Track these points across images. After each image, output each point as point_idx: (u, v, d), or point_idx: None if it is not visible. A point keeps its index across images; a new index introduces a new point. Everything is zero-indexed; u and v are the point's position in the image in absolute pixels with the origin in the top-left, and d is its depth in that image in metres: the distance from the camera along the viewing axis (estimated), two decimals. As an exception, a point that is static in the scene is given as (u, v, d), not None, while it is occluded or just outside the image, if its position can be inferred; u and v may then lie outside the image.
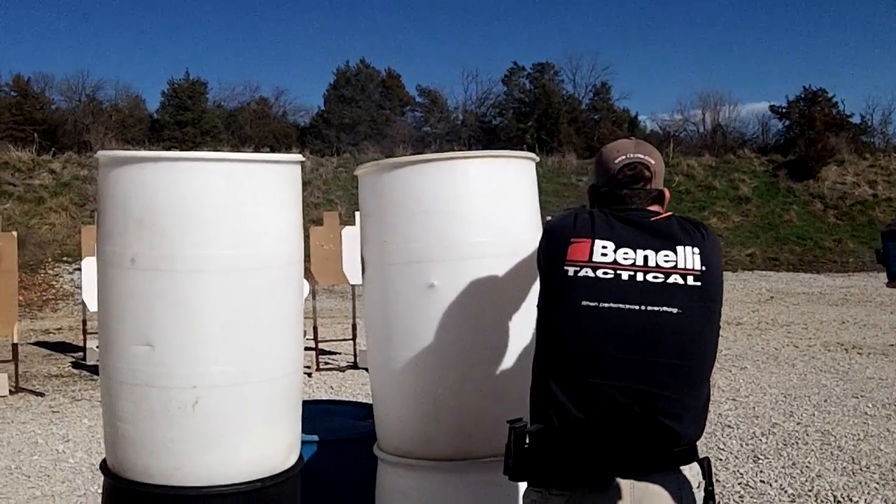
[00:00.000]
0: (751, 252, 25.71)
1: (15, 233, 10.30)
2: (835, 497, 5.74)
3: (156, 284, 2.87)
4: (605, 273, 2.43)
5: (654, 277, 2.43)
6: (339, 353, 11.70)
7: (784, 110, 39.71)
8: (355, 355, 10.96)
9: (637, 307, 2.40)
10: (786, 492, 5.88)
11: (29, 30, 63.70)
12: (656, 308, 2.40)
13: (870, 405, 8.38)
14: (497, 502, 3.12)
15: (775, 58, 69.43)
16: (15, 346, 9.66)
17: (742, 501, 5.72)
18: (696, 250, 2.48)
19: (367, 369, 3.82)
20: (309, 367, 10.13)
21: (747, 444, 7.05)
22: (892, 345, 11.99)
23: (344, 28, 70.75)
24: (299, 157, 3.20)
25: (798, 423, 7.72)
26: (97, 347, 3.17)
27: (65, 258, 21.01)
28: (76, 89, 39.59)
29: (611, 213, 2.54)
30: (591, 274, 2.44)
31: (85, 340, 11.64)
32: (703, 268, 2.46)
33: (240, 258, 2.91)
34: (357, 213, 3.80)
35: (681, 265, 2.45)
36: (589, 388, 2.39)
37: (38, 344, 13.18)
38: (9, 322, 9.55)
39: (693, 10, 68.28)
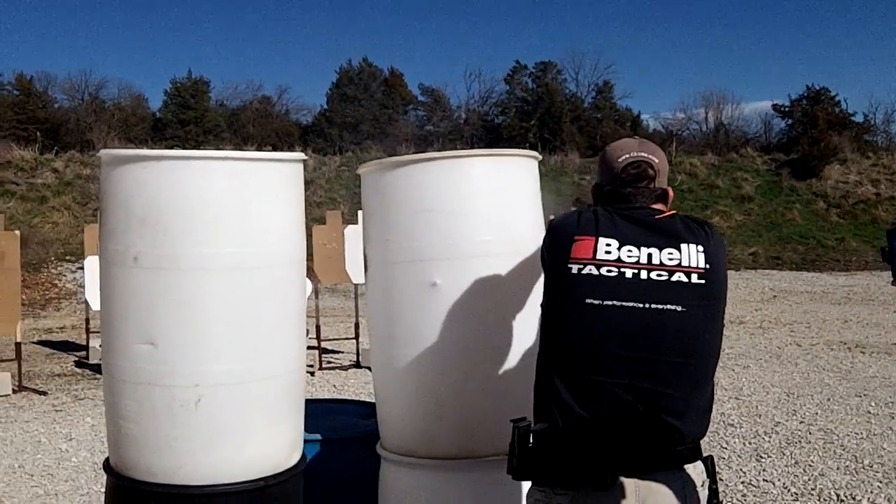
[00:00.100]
0: (753, 251, 25.70)
1: (18, 232, 10.30)
2: (838, 495, 5.74)
3: (158, 283, 2.87)
4: (608, 271, 2.43)
5: (658, 275, 2.43)
6: (342, 352, 11.69)
7: (787, 109, 39.70)
8: (358, 354, 10.95)
9: (641, 305, 2.40)
10: (789, 490, 5.88)
11: (32, 28, 63.79)
12: (660, 306, 2.40)
13: (873, 404, 8.37)
14: (500, 501, 3.12)
15: (778, 56, 69.45)
16: (18, 345, 9.67)
17: (745, 500, 5.71)
18: (701, 248, 2.48)
19: (369, 368, 3.83)
20: (312, 366, 10.13)
21: (750, 443, 7.04)
22: (895, 343, 11.98)
23: (346, 27, 70.81)
24: (302, 155, 3.21)
25: (801, 422, 7.71)
26: (100, 346, 3.17)
27: (67, 257, 21.02)
28: (79, 88, 39.70)
29: (615, 212, 2.54)
30: (594, 271, 2.44)
31: (88, 339, 11.64)
32: (707, 266, 2.46)
33: (242, 257, 2.91)
34: (360, 212, 3.80)
35: (685, 263, 2.45)
36: (593, 385, 2.39)
37: (41, 343, 13.19)
38: (12, 321, 9.55)
39: (696, 8, 68.30)
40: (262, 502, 2.98)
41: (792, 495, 5.78)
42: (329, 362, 11.07)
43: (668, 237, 2.49)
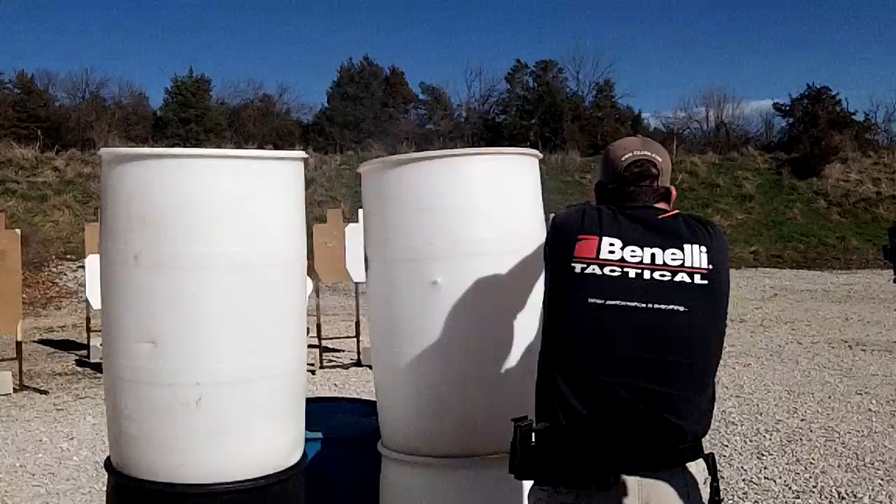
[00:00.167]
0: (754, 249, 25.71)
1: (18, 230, 10.28)
2: (839, 493, 5.74)
3: (159, 282, 2.87)
4: (612, 270, 2.43)
5: (662, 275, 2.43)
6: (343, 351, 11.69)
7: (788, 108, 39.62)
8: (359, 353, 10.95)
9: (644, 305, 2.40)
10: (790, 488, 5.88)
11: (33, 27, 63.75)
12: (663, 306, 2.40)
13: (874, 402, 8.37)
14: (501, 500, 3.12)
15: (779, 55, 69.36)
16: (19, 343, 9.67)
17: (746, 498, 5.71)
18: (704, 249, 2.48)
19: (370, 367, 3.83)
20: (312, 365, 10.12)
21: (751, 441, 7.04)
22: (895, 341, 11.97)
23: (347, 25, 70.77)
24: (302, 154, 3.21)
25: (802, 420, 7.71)
26: (101, 345, 3.18)
27: (68, 256, 21.01)
28: (80, 86, 39.66)
29: (618, 211, 2.54)
30: (598, 271, 2.43)
31: (89, 338, 11.63)
32: (710, 266, 2.46)
33: (243, 255, 2.91)
34: (360, 211, 3.79)
35: (688, 263, 2.44)
36: (595, 385, 2.39)
37: (42, 342, 13.19)
38: (13, 320, 9.55)
39: (697, 7, 68.24)
40: (264, 501, 2.98)
41: (793, 493, 5.79)
42: (330, 361, 11.07)
43: (672, 237, 2.48)
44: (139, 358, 2.89)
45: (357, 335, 11.07)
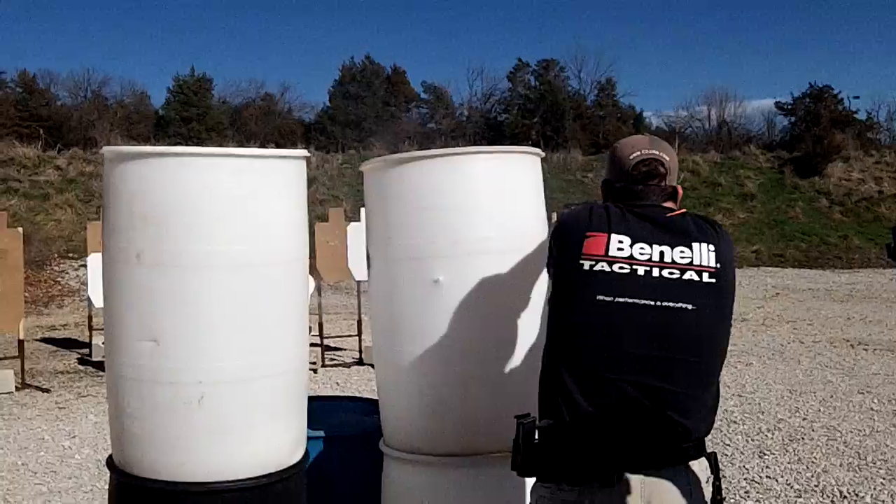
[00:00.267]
0: (756, 248, 25.69)
1: (20, 229, 10.28)
2: (841, 492, 5.74)
3: (161, 280, 2.87)
4: (621, 268, 2.43)
5: (670, 273, 2.43)
6: (345, 350, 11.70)
7: (789, 107, 39.57)
8: (361, 351, 10.96)
9: (652, 303, 2.40)
10: (792, 487, 5.88)
11: (35, 26, 63.77)
12: (672, 304, 2.40)
13: (876, 401, 8.37)
14: (503, 498, 3.12)
15: (781, 54, 69.29)
16: (21, 342, 9.67)
17: (748, 497, 5.71)
18: (712, 247, 2.48)
19: (372, 365, 3.83)
20: (314, 364, 10.13)
21: (753, 440, 7.04)
22: (897, 341, 11.98)
23: (349, 24, 70.75)
24: (304, 152, 3.20)
25: (804, 419, 7.71)
26: (103, 344, 3.18)
27: (70, 254, 21.02)
28: (82, 85, 39.65)
29: (626, 209, 2.54)
30: (606, 268, 2.43)
31: (91, 337, 11.64)
32: (718, 265, 2.46)
33: (245, 254, 2.91)
34: (362, 210, 3.79)
35: (696, 262, 2.44)
36: (603, 382, 2.39)
37: (44, 340, 13.20)
38: (15, 318, 9.56)
39: (698, 5, 68.18)
40: (265, 499, 2.98)
41: (795, 492, 5.78)
42: (332, 360, 11.08)
43: (680, 235, 2.48)
44: (141, 356, 2.89)
45: (359, 334, 11.06)
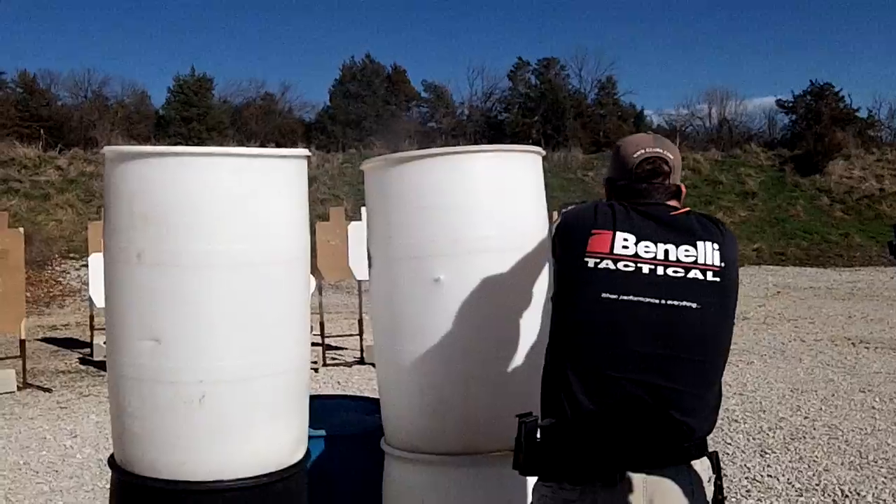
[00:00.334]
0: (757, 247, 25.70)
1: (21, 229, 10.28)
2: (842, 491, 5.73)
3: (162, 280, 2.87)
4: (626, 266, 2.43)
5: (675, 272, 2.42)
6: (346, 349, 11.70)
7: (790, 105, 39.58)
8: (362, 351, 10.96)
9: (657, 301, 2.39)
10: (793, 486, 5.87)
11: (35, 26, 63.80)
12: (676, 303, 2.39)
13: (877, 399, 8.36)
14: (504, 497, 3.12)
15: (781, 52, 69.31)
16: (22, 342, 9.68)
17: (749, 496, 5.71)
18: (716, 246, 2.48)
19: (373, 364, 3.83)
20: (315, 363, 10.13)
21: (754, 439, 7.04)
22: (899, 339, 11.97)
23: (349, 24, 70.80)
24: (305, 152, 3.19)
25: (805, 418, 7.71)
26: (104, 343, 3.18)
27: (71, 254, 21.04)
28: (82, 85, 39.72)
29: (630, 207, 2.53)
30: (611, 266, 2.43)
31: (92, 336, 11.66)
32: (723, 264, 2.46)
33: (246, 253, 2.91)
34: (363, 209, 3.79)
35: (701, 260, 2.44)
36: (606, 380, 2.38)
37: (46, 340, 13.21)
38: (16, 318, 9.57)
39: (699, 4, 68.15)
40: (267, 498, 2.98)
41: (796, 491, 5.78)
42: (333, 359, 11.08)
43: (685, 234, 2.48)
44: (142, 356, 2.89)
45: (360, 333, 11.07)
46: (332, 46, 76.02)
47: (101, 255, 3.12)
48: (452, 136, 36.90)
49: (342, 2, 70.81)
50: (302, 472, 3.16)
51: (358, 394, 7.95)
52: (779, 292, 18.18)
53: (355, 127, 37.20)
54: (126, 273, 2.92)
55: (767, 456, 6.56)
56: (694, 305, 2.40)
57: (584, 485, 2.39)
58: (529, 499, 2.66)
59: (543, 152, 3.52)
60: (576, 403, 2.39)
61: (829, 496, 5.67)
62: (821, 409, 8.05)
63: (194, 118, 37.39)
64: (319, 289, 10.78)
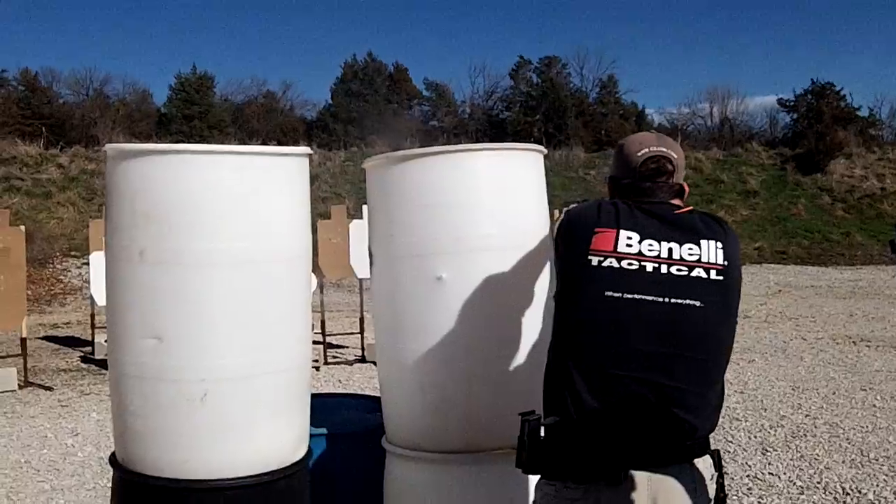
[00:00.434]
0: (759, 245, 25.71)
1: (23, 227, 10.29)
2: (843, 489, 5.73)
3: (164, 278, 2.86)
4: (629, 264, 2.42)
5: (679, 270, 2.42)
6: (347, 347, 11.71)
7: (792, 104, 39.55)
8: (363, 349, 10.96)
9: (661, 299, 2.39)
10: (794, 484, 5.87)
11: (37, 24, 63.81)
12: (680, 301, 2.39)
13: (878, 398, 8.36)
14: (506, 495, 3.12)
15: (783, 51, 69.26)
16: (23, 340, 9.69)
17: (751, 494, 5.71)
18: (720, 245, 2.47)
19: (374, 363, 3.82)
20: (317, 361, 10.13)
21: (755, 437, 7.03)
22: (900, 338, 11.97)
23: (351, 22, 70.78)
24: (307, 150, 3.19)
25: (806, 416, 7.71)
26: (105, 342, 3.18)
27: (73, 253, 21.06)
28: (84, 83, 39.76)
29: (634, 205, 2.53)
30: (615, 264, 2.42)
31: (93, 335, 11.67)
32: (726, 262, 2.46)
33: (248, 251, 2.91)
34: (365, 207, 3.79)
35: (704, 259, 2.44)
36: (609, 378, 2.38)
37: (47, 338, 13.21)
38: (17, 316, 9.57)
39: (700, 2, 68.10)
40: (268, 496, 2.98)
41: (797, 489, 5.78)
42: (334, 357, 11.09)
43: (688, 232, 2.48)
44: (144, 354, 2.89)
45: (361, 331, 11.07)
46: (334, 45, 76.18)
47: (102, 253, 3.13)
48: (454, 135, 36.91)
49: (344, 0, 70.82)
50: (304, 471, 3.16)
51: (359, 392, 7.94)
52: (780, 291, 18.18)
53: (357, 125, 37.21)
54: (128, 271, 2.92)
55: (769, 454, 6.56)
56: (697, 304, 2.40)
57: (587, 483, 2.38)
58: (531, 497, 2.66)
59: (545, 151, 3.52)
60: (579, 402, 2.39)
61: (830, 494, 5.67)
62: (822, 407, 8.05)
63: (196, 116, 37.42)
64: (321, 287, 10.79)
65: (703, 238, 2.47)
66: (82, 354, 11.64)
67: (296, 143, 29.59)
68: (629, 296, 2.40)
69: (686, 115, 43.46)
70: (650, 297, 2.39)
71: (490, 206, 3.18)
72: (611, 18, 67.94)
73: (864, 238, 26.26)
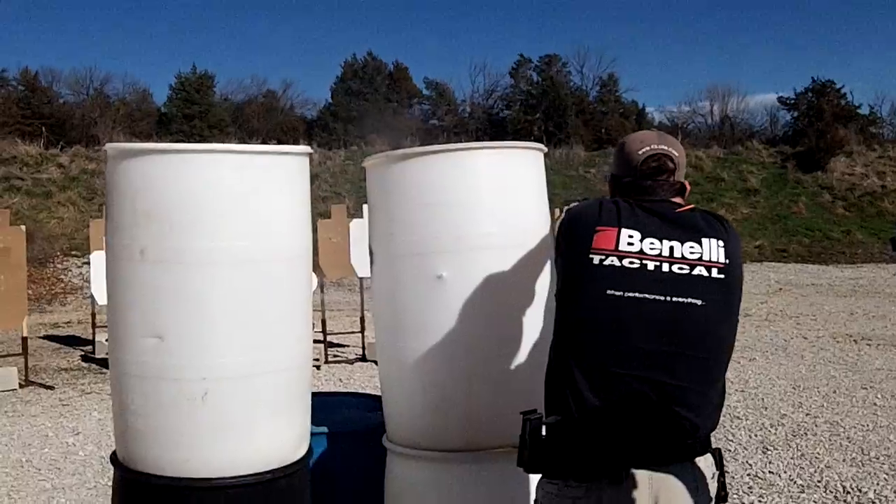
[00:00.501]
0: (759, 244, 25.70)
1: (23, 227, 10.30)
2: (844, 487, 5.73)
3: (165, 277, 2.87)
4: (631, 263, 2.42)
5: (680, 269, 2.42)
6: (348, 346, 11.71)
7: (792, 101, 39.56)
8: (364, 348, 10.97)
9: (662, 298, 2.39)
10: (795, 482, 5.87)
11: (37, 24, 63.81)
12: (681, 299, 2.39)
13: (879, 396, 8.36)
14: (506, 493, 3.12)
15: (783, 49, 69.23)
16: (24, 339, 9.70)
17: (751, 492, 5.71)
18: (721, 243, 2.47)
19: (375, 362, 3.82)
20: (317, 360, 10.14)
21: (756, 435, 7.04)
22: (901, 336, 11.96)
23: (351, 21, 70.75)
24: (307, 149, 3.19)
25: (807, 415, 7.71)
26: (106, 341, 3.19)
27: (73, 252, 21.07)
28: (84, 83, 39.76)
29: (635, 204, 2.53)
30: (617, 263, 2.42)
31: (94, 334, 11.69)
32: (727, 261, 2.46)
33: (248, 250, 2.91)
34: (365, 206, 3.79)
35: (706, 257, 2.44)
36: (611, 377, 2.38)
37: (48, 338, 13.23)
38: (18, 316, 9.58)
39: (700, 1, 68.09)
40: (269, 495, 2.99)
41: (798, 487, 5.78)
42: (335, 356, 11.09)
43: (690, 231, 2.48)
44: (145, 353, 2.89)
45: (362, 330, 11.08)
46: (334, 44, 76.10)
47: (102, 252, 3.13)
48: (454, 134, 36.90)
49: (344, -1, 70.83)
50: (304, 469, 3.16)
51: (360, 391, 7.95)
52: (780, 289, 18.19)
53: (357, 124, 37.19)
54: (129, 270, 2.92)
55: (769, 452, 6.56)
56: (698, 302, 2.40)
57: (589, 482, 2.38)
58: (531, 495, 2.65)
59: (545, 149, 3.52)
60: (581, 400, 2.39)
61: (831, 492, 5.67)
62: (822, 405, 8.05)
63: (196, 116, 37.41)
64: (321, 286, 10.79)
65: (705, 236, 2.47)
66: (83, 353, 11.66)
67: (296, 143, 29.58)
68: (630, 294, 2.39)
69: (686, 113, 43.52)
70: (651, 296, 2.39)
71: (490, 204, 3.18)
72: (611, 17, 67.95)
73: (865, 236, 26.25)
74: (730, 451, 6.56)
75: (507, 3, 70.53)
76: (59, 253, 21.08)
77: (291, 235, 3.07)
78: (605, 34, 70.42)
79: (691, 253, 2.44)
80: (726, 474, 2.66)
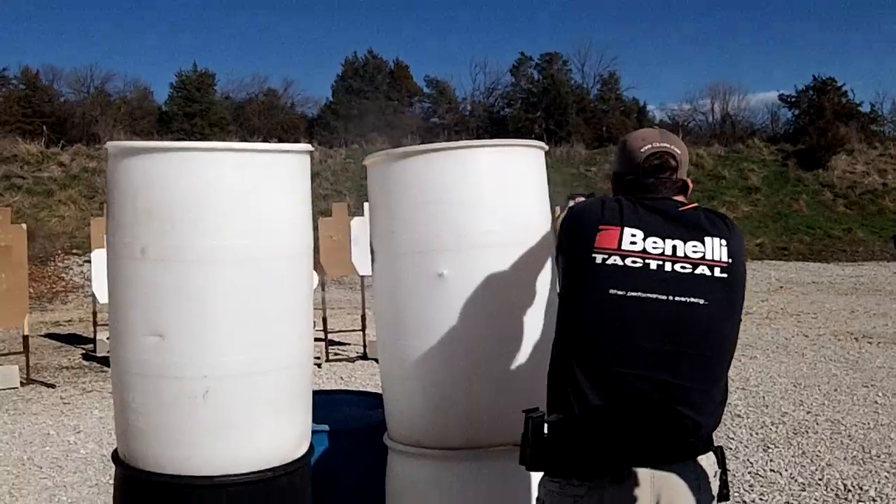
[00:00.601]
0: (760, 242, 25.68)
1: (24, 225, 10.30)
2: (845, 486, 5.73)
3: (166, 275, 2.87)
4: (633, 262, 2.42)
5: (683, 268, 2.42)
6: (349, 344, 11.71)
7: (793, 99, 39.55)
8: (365, 346, 10.97)
9: (665, 297, 2.39)
10: (796, 480, 5.87)
11: (37, 22, 63.81)
12: (684, 299, 2.39)
13: (880, 394, 8.36)
14: (507, 491, 3.12)
15: (784, 47, 69.18)
16: (26, 337, 9.70)
17: (752, 490, 5.71)
18: (724, 242, 2.47)
19: (376, 360, 3.83)
20: (318, 358, 10.13)
21: (757, 434, 7.04)
22: (902, 334, 11.96)
23: (352, 19, 70.74)
24: (308, 147, 3.19)
25: (808, 413, 7.71)
26: (107, 339, 3.19)
27: (74, 250, 21.06)
28: (85, 82, 39.75)
29: (637, 202, 2.52)
30: (619, 262, 2.42)
31: (95, 332, 11.68)
32: (730, 260, 2.46)
33: (249, 248, 2.91)
34: (366, 204, 3.79)
35: (708, 256, 2.44)
36: (613, 376, 2.38)
37: (49, 336, 13.23)
38: (19, 314, 9.58)
39: (701, -1, 68.03)
40: (271, 493, 2.99)
41: (799, 485, 5.78)
42: (336, 354, 11.09)
43: (692, 229, 2.47)
44: (146, 351, 2.89)
45: (363, 328, 11.08)
46: (335, 42, 76.04)
47: (103, 250, 3.13)
48: (455, 132, 36.88)
49: (344, -3, 70.81)
50: (306, 467, 3.16)
51: (361, 389, 7.95)
52: (781, 287, 18.19)
53: (357, 122, 37.18)
54: (130, 268, 2.92)
55: (770, 450, 6.56)
56: (701, 302, 2.39)
57: (592, 480, 2.38)
58: (532, 493, 2.66)
59: (546, 147, 3.51)
60: (583, 399, 2.39)
61: (832, 491, 5.67)
62: (823, 403, 8.04)
63: (197, 114, 37.40)
64: (322, 284, 10.78)
65: (708, 235, 2.47)
66: (84, 352, 11.66)
67: (297, 141, 29.49)
68: (633, 294, 2.39)
69: (687, 111, 43.52)
70: (654, 295, 2.39)
71: (491, 202, 3.18)
72: (612, 15, 67.88)
73: (866, 234, 26.24)
74: (731, 449, 6.56)
75: (508, 1, 70.54)
76: (60, 251, 21.07)
77: (292, 233, 3.07)
78: (606, 32, 70.41)
79: (694, 252, 2.44)
80: (728, 472, 2.66)
